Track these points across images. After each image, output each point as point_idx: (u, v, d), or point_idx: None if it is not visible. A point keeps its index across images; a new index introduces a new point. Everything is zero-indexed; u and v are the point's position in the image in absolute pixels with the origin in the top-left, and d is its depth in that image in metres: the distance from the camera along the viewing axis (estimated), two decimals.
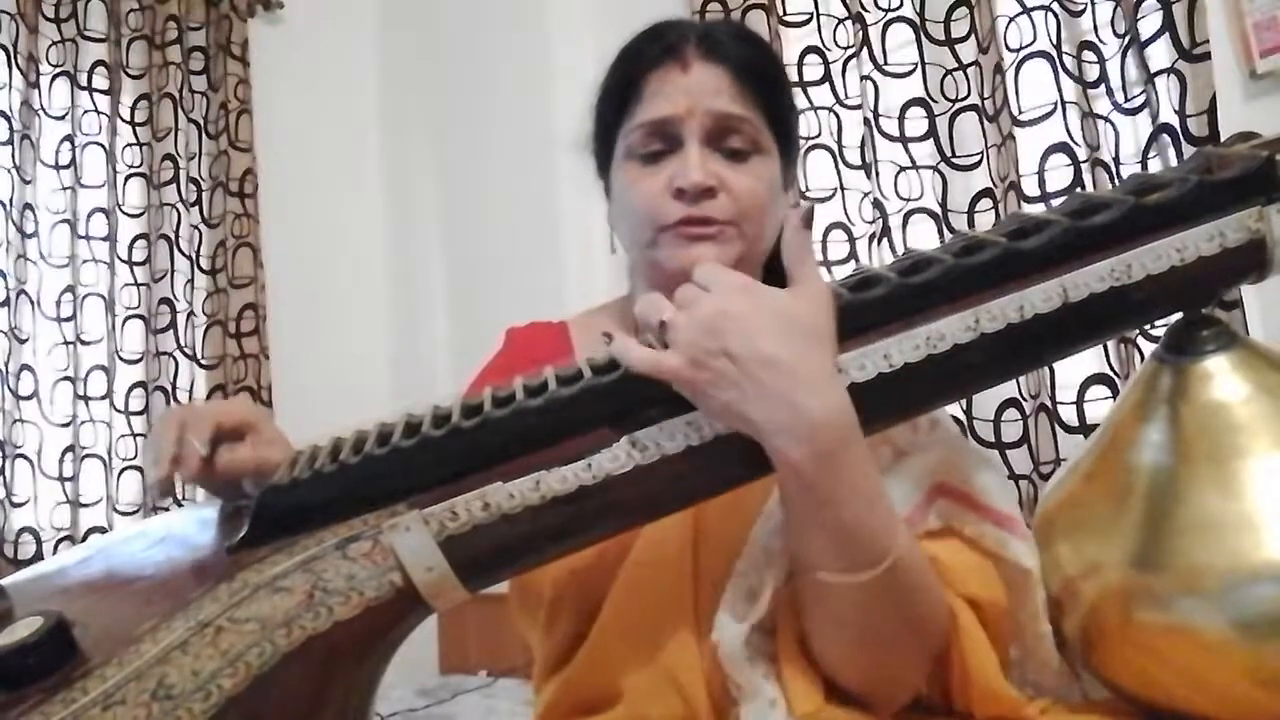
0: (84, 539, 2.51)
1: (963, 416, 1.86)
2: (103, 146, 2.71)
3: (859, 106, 2.07)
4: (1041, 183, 1.81)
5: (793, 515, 0.63)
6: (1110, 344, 1.71)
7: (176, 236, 2.71)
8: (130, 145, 2.75)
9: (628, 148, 0.86)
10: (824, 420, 0.57)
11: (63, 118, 2.68)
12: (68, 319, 2.60)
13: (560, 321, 0.99)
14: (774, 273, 0.89)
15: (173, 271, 2.70)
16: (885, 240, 2.02)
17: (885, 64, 2.05)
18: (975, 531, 0.73)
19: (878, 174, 2.03)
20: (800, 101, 2.10)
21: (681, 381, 0.59)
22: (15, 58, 2.60)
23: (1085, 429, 1.71)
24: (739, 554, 0.72)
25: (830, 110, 2.13)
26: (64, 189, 2.64)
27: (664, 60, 0.85)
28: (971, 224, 1.92)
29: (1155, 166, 1.63)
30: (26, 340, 2.54)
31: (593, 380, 0.62)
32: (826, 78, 2.14)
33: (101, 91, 2.73)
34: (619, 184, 0.88)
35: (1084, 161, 1.77)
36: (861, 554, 0.61)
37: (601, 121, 0.91)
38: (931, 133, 1.98)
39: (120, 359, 2.65)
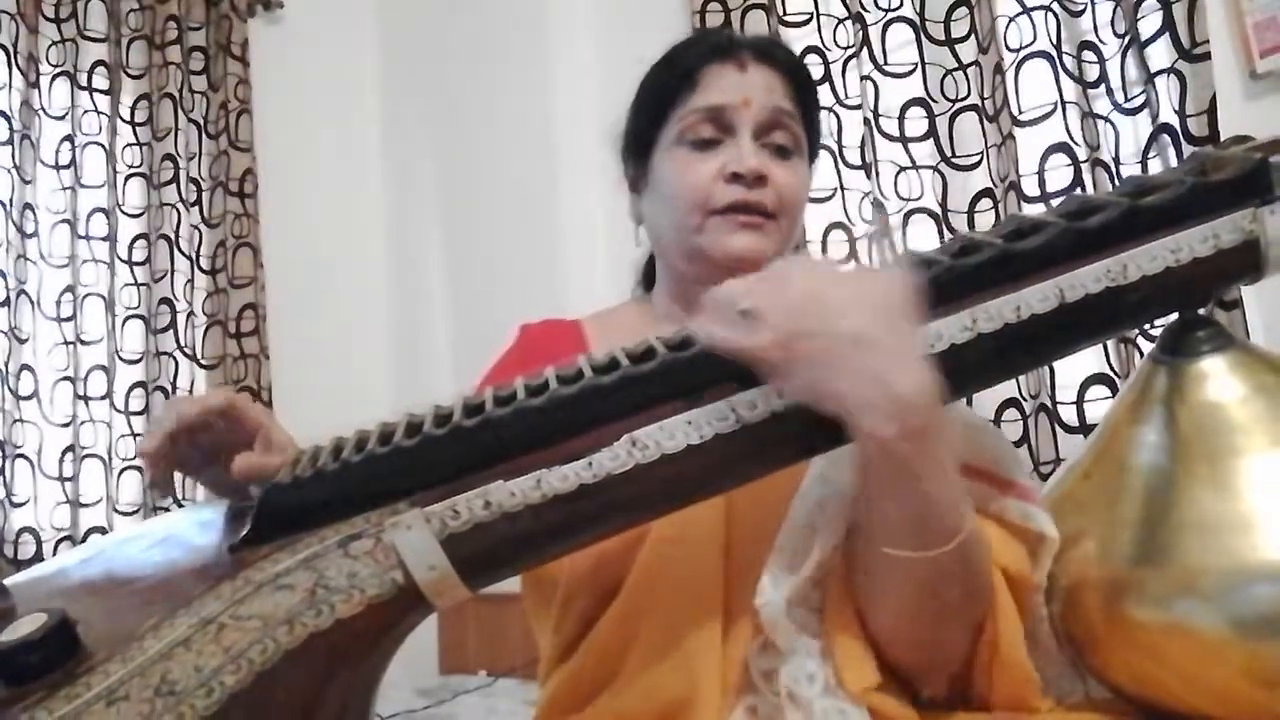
0: (84, 539, 2.52)
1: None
2: (103, 146, 2.71)
3: (859, 106, 2.07)
4: (1041, 183, 1.81)
5: (872, 491, 0.64)
6: (1110, 344, 1.71)
7: (176, 236, 2.72)
8: (130, 145, 2.75)
9: (680, 132, 0.88)
10: (913, 397, 0.58)
11: (63, 118, 2.68)
12: (68, 319, 2.60)
13: (573, 320, 0.99)
14: None
15: (173, 271, 2.71)
16: (885, 240, 2.02)
17: (885, 64, 2.05)
18: (999, 507, 0.74)
19: (878, 174, 2.03)
20: None
21: (768, 360, 0.60)
22: (15, 58, 2.60)
23: (1085, 429, 1.72)
24: (774, 530, 0.73)
25: (830, 110, 2.13)
26: (64, 189, 2.65)
27: (720, 57, 0.89)
28: (971, 224, 1.92)
29: (1155, 167, 1.63)
30: (26, 340, 2.54)
31: (594, 380, 0.62)
32: (826, 78, 2.14)
33: (101, 91, 2.73)
34: (666, 169, 0.90)
35: (1084, 161, 1.77)
36: (937, 530, 0.62)
37: (647, 112, 0.92)
38: (931, 133, 1.98)
39: (120, 359, 2.65)
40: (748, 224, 0.86)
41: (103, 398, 2.61)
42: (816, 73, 2.14)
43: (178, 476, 0.75)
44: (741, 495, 0.70)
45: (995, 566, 0.70)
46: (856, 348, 0.58)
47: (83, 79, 2.71)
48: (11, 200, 2.55)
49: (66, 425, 2.57)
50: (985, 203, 1.92)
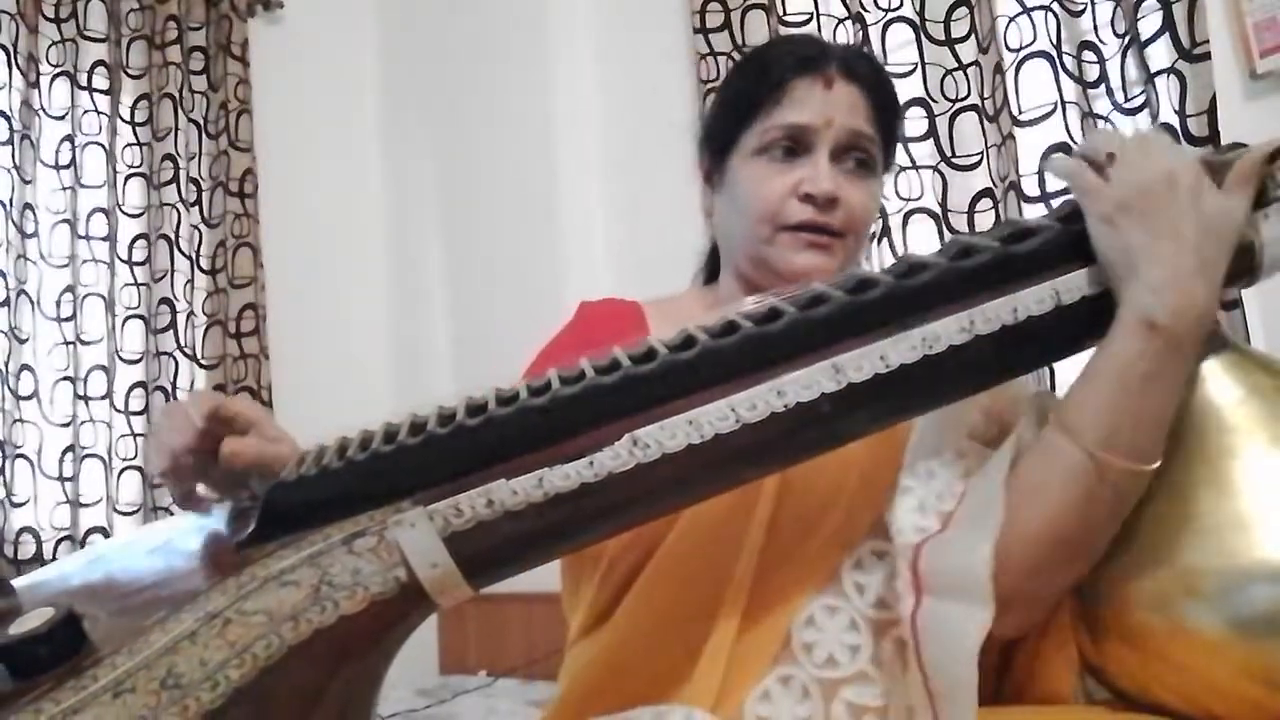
0: (84, 539, 2.52)
1: None
2: (103, 146, 2.71)
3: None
4: (1041, 183, 1.81)
5: (1107, 383, 0.64)
6: None
7: (176, 236, 2.72)
8: (130, 145, 2.75)
9: (759, 143, 0.89)
10: (1201, 309, 0.62)
11: (63, 118, 2.68)
12: (68, 319, 2.60)
13: (633, 301, 1.00)
14: None
15: (173, 271, 2.71)
16: (885, 240, 2.02)
17: (885, 64, 2.05)
18: None
19: None
20: None
21: (1110, 203, 0.63)
22: (15, 58, 2.60)
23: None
24: (826, 510, 0.75)
25: None
26: (64, 189, 2.64)
27: (808, 71, 0.89)
28: (971, 224, 1.93)
29: None
30: (26, 340, 2.54)
31: (595, 380, 0.63)
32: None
33: (101, 91, 2.73)
34: (742, 177, 0.91)
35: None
36: (1144, 446, 0.64)
37: (731, 114, 0.93)
38: (931, 133, 1.99)
39: (120, 359, 2.65)
40: (814, 244, 0.87)
41: (103, 398, 2.61)
42: None
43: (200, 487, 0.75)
44: (798, 473, 0.71)
45: None
46: (1186, 239, 0.62)
47: (83, 79, 2.71)
48: (11, 200, 2.54)
49: (66, 425, 2.57)
50: (985, 203, 1.92)
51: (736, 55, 2.22)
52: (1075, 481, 0.65)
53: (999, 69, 1.87)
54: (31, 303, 2.56)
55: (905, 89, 2.03)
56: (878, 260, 2.04)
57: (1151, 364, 0.62)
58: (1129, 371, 0.63)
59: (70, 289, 2.61)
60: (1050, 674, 0.71)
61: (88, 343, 2.63)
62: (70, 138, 2.67)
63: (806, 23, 2.19)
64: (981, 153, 1.92)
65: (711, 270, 1.03)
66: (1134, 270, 0.62)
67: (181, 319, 2.69)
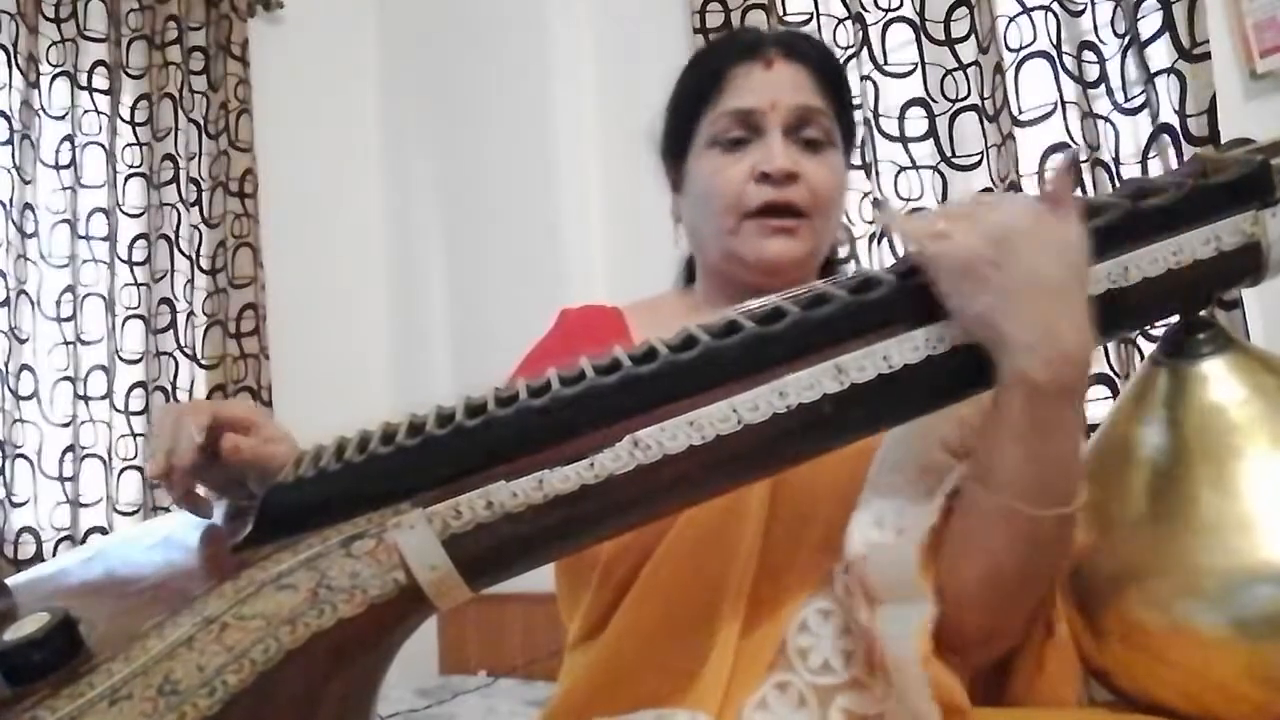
0: (84, 539, 2.51)
1: None
2: (103, 146, 2.71)
3: (859, 106, 2.07)
4: (1041, 183, 1.81)
5: (1003, 439, 0.64)
6: (1111, 345, 1.71)
7: (176, 236, 2.71)
8: (130, 145, 2.75)
9: (711, 136, 0.89)
10: (1074, 352, 0.60)
11: (63, 118, 2.67)
12: (68, 319, 2.60)
13: (614, 306, 1.00)
14: (828, 272, 0.93)
15: (173, 271, 2.70)
16: (885, 240, 2.02)
17: (885, 64, 2.06)
18: None
19: (878, 174, 2.03)
20: None
21: (948, 272, 0.61)
22: (15, 58, 2.60)
23: (1086, 430, 1.71)
24: (820, 513, 0.74)
25: None
26: (64, 189, 2.64)
27: (747, 57, 0.89)
28: None
29: (1155, 167, 1.63)
30: (26, 340, 2.54)
31: (596, 381, 0.62)
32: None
33: (101, 91, 2.72)
34: (699, 172, 0.90)
35: (1084, 162, 1.77)
36: (1059, 490, 0.63)
37: (680, 115, 0.94)
38: (931, 133, 1.98)
39: (120, 359, 2.65)
40: (780, 228, 0.86)
41: (103, 398, 2.61)
42: None
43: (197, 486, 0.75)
44: (792, 474, 0.71)
45: None
46: (1034, 288, 0.60)
47: (83, 79, 2.71)
48: (11, 200, 2.54)
49: (66, 425, 2.56)
50: None
51: None
52: (1000, 531, 0.65)
53: (999, 69, 1.86)
54: (31, 303, 2.55)
55: (905, 89, 2.03)
56: (878, 260, 2.04)
57: (1041, 417, 0.61)
58: (1021, 427, 0.62)
59: (70, 289, 2.61)
60: (1052, 682, 0.71)
61: (88, 343, 2.63)
62: (70, 138, 2.66)
63: (806, 22, 2.18)
64: (981, 153, 1.92)
65: (691, 272, 1.03)
66: (997, 334, 0.61)
67: (181, 319, 2.69)
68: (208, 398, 2.67)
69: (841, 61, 2.10)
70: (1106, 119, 1.75)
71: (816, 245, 0.88)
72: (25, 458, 2.50)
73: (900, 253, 1.97)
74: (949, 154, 1.96)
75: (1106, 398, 1.71)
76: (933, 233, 0.63)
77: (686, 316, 0.85)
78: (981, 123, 1.92)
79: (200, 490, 0.73)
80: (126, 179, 2.73)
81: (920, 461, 0.72)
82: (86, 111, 2.70)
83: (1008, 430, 0.63)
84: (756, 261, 0.86)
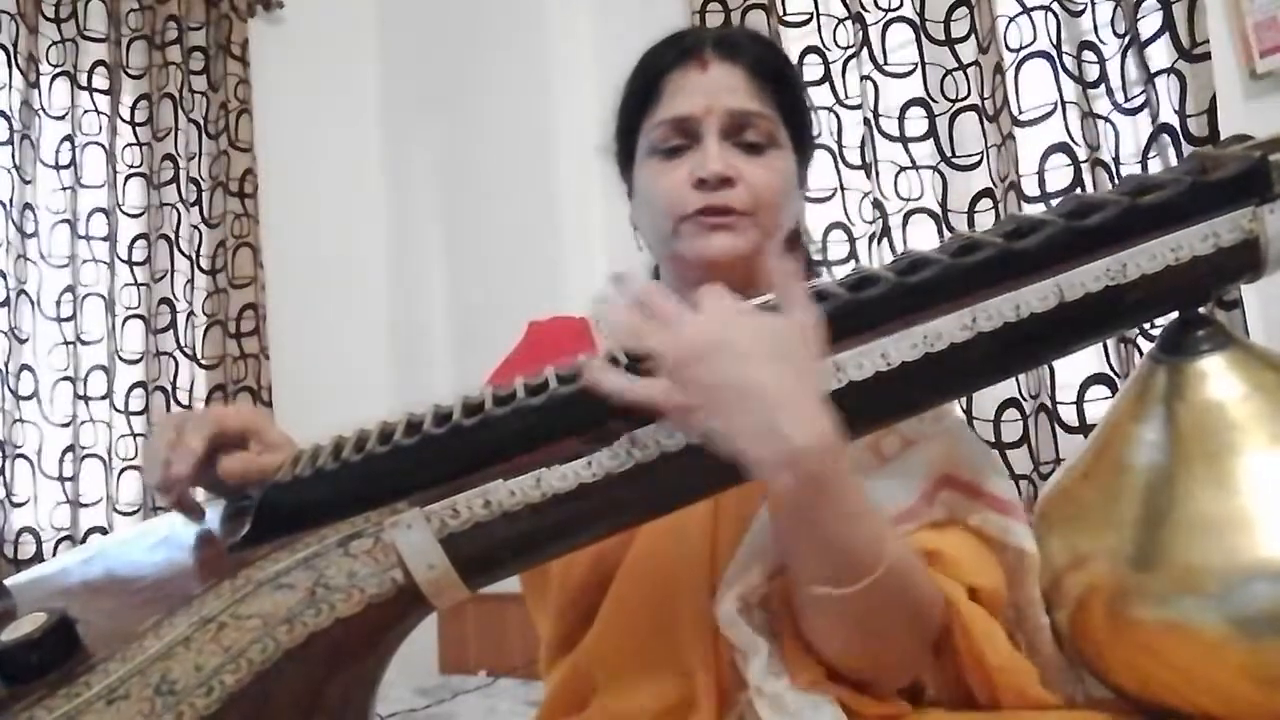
0: (84, 539, 2.52)
1: (962, 416, 1.86)
2: (103, 146, 2.71)
3: (859, 106, 2.08)
4: (1041, 183, 1.81)
5: (782, 534, 0.65)
6: (1110, 343, 1.72)
7: (176, 236, 2.72)
8: (130, 145, 2.75)
9: (649, 145, 0.89)
10: (806, 447, 0.57)
11: (63, 118, 2.68)
12: (68, 319, 2.60)
13: (581, 316, 1.00)
14: (809, 276, 0.93)
15: (173, 271, 2.71)
16: (885, 240, 2.02)
17: (885, 64, 2.06)
18: (979, 520, 0.75)
19: (878, 174, 2.03)
20: None
21: (665, 409, 0.59)
22: (15, 58, 2.60)
23: (1085, 429, 1.72)
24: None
25: (830, 110, 2.13)
26: (64, 189, 2.64)
27: (682, 61, 0.88)
28: (971, 224, 1.93)
29: (1155, 166, 1.64)
30: (26, 340, 2.54)
31: None
32: (826, 78, 2.14)
33: (101, 91, 2.73)
34: (641, 180, 0.90)
35: (1084, 161, 1.77)
36: (848, 569, 0.62)
37: (623, 123, 0.93)
38: (931, 133, 1.98)
39: (120, 359, 2.65)
40: (719, 225, 0.84)
41: (103, 398, 2.61)
42: (816, 73, 2.15)
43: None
44: (729, 496, 0.71)
45: (961, 584, 0.71)
46: (749, 398, 0.57)
47: (83, 79, 2.71)
48: (11, 200, 2.54)
49: (66, 425, 2.57)
50: (985, 203, 1.92)
51: None
52: (821, 612, 0.66)
53: (999, 69, 1.86)
54: (31, 303, 2.56)
55: (905, 89, 2.03)
56: (878, 261, 2.04)
57: (803, 510, 0.61)
58: (790, 523, 0.63)
59: (70, 289, 2.61)
60: (1002, 679, 0.71)
61: (88, 343, 2.63)
62: (70, 138, 2.66)
63: (806, 22, 2.19)
64: (981, 153, 1.92)
65: (657, 278, 1.03)
66: (734, 450, 0.58)
67: (181, 319, 2.69)
68: (208, 398, 2.67)
69: (841, 62, 2.12)
70: (1106, 119, 1.76)
71: (759, 242, 0.86)
72: (25, 458, 2.51)
73: (901, 250, 1.97)
74: (949, 154, 1.96)
75: (1105, 397, 1.71)
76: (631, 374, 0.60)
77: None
78: (981, 123, 1.92)
79: (199, 494, 0.73)
80: (126, 179, 2.73)
81: None
82: (86, 111, 2.71)
83: (783, 531, 0.64)
84: (698, 260, 0.85)
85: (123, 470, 2.60)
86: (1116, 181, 1.72)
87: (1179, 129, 1.57)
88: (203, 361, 2.70)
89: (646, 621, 0.76)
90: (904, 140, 2.02)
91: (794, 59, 2.15)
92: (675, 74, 0.88)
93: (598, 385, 0.59)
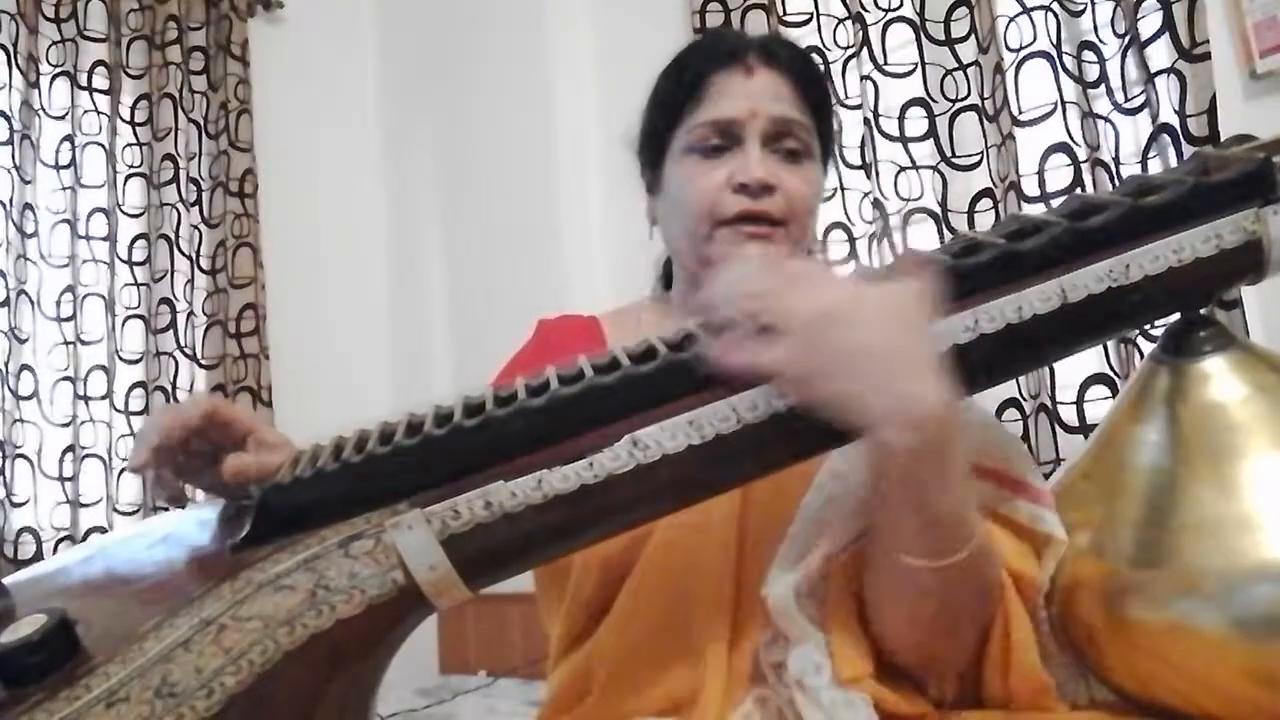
0: (84, 539, 2.51)
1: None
2: (103, 146, 2.71)
3: (859, 106, 2.07)
4: (1041, 183, 1.81)
5: (885, 500, 0.64)
6: (1110, 344, 1.71)
7: (176, 236, 2.72)
8: (130, 145, 2.75)
9: (689, 143, 0.89)
10: (931, 410, 0.58)
11: (63, 118, 2.68)
12: (68, 319, 2.60)
13: (590, 316, 1.00)
14: None
15: (173, 271, 2.71)
16: (885, 240, 2.02)
17: (885, 64, 2.06)
18: (1009, 509, 0.75)
19: (878, 174, 2.03)
20: None
21: (787, 376, 0.59)
22: (15, 58, 2.60)
23: (1085, 429, 1.72)
24: (789, 521, 0.73)
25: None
26: (64, 189, 2.64)
27: (728, 64, 0.88)
28: (971, 224, 1.93)
29: (1155, 166, 1.64)
30: (26, 340, 2.54)
31: (595, 380, 0.62)
32: (826, 77, 2.14)
33: (101, 91, 2.73)
34: (676, 177, 0.90)
35: (1084, 161, 1.77)
36: (949, 540, 0.62)
37: (658, 118, 0.93)
38: (931, 133, 1.98)
39: (120, 359, 2.65)
40: (755, 234, 0.86)
41: (103, 398, 2.61)
42: None
43: (187, 486, 0.75)
44: (759, 485, 0.71)
45: (1004, 570, 0.71)
46: (875, 360, 0.58)
47: (83, 79, 2.71)
48: (11, 200, 2.54)
49: (66, 425, 2.57)
50: (985, 203, 1.92)
51: None
52: (907, 587, 0.66)
53: (999, 69, 1.86)
54: (31, 303, 2.56)
55: (905, 89, 2.03)
56: (878, 261, 2.04)
57: (914, 479, 0.60)
58: (899, 492, 0.62)
59: (70, 289, 2.61)
60: (1023, 681, 0.71)
61: (88, 343, 2.63)
62: (70, 138, 2.66)
63: (806, 22, 2.19)
64: (981, 153, 1.92)
65: (668, 279, 1.03)
66: (855, 413, 0.58)
67: (181, 319, 2.69)
68: None
69: (841, 62, 2.12)
70: (1106, 119, 1.75)
71: (790, 252, 0.87)
72: (25, 458, 2.51)
73: (901, 251, 1.97)
74: (949, 154, 1.96)
75: (1106, 397, 1.71)
76: (754, 343, 0.60)
77: (660, 324, 0.85)
78: (981, 123, 1.92)
79: (199, 495, 0.73)
80: (126, 179, 2.73)
81: (860, 494, 0.71)
82: (86, 111, 2.71)
83: (886, 494, 0.63)
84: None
85: (123, 470, 2.60)
86: (1117, 182, 1.72)
87: (1179, 129, 1.57)
88: (203, 361, 2.70)
89: (659, 615, 0.76)
90: (904, 140, 2.02)
91: None
92: (720, 76, 0.88)
93: (719, 359, 0.60)
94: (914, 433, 0.57)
